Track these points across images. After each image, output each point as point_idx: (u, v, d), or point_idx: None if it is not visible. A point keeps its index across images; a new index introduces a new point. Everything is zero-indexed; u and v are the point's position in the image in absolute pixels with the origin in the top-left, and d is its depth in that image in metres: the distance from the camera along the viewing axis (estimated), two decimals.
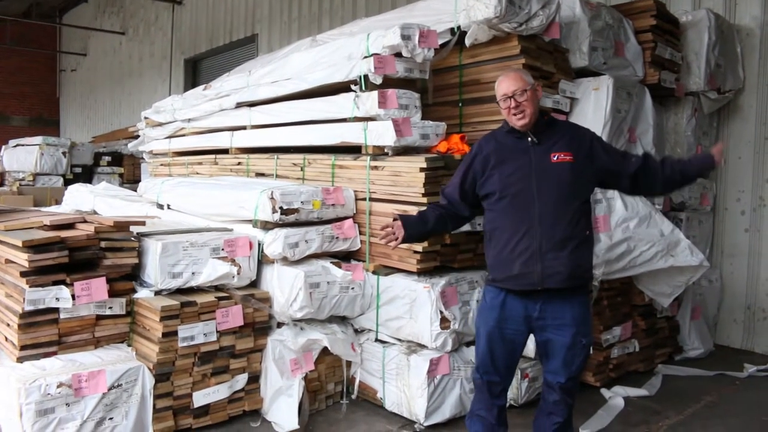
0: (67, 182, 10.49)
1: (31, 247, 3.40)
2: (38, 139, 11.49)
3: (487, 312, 3.14)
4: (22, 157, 11.37)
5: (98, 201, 5.92)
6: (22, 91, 20.26)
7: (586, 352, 3.07)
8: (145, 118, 7.34)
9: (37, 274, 3.42)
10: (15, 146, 11.70)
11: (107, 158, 12.42)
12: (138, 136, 7.69)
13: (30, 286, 3.38)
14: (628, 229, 4.44)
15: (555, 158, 2.99)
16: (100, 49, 17.86)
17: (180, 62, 13.38)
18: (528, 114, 3.01)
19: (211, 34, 12.30)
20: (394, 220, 3.29)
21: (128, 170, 12.47)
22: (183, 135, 6.56)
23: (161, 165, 6.93)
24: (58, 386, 3.22)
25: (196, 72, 13.27)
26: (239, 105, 5.53)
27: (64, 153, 11.54)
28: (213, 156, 5.92)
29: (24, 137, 11.98)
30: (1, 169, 11.50)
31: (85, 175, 11.82)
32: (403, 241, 3.26)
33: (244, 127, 5.48)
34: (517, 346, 3.13)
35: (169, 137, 6.79)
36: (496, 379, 3.15)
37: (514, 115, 3.03)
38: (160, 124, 6.95)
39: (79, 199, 6.29)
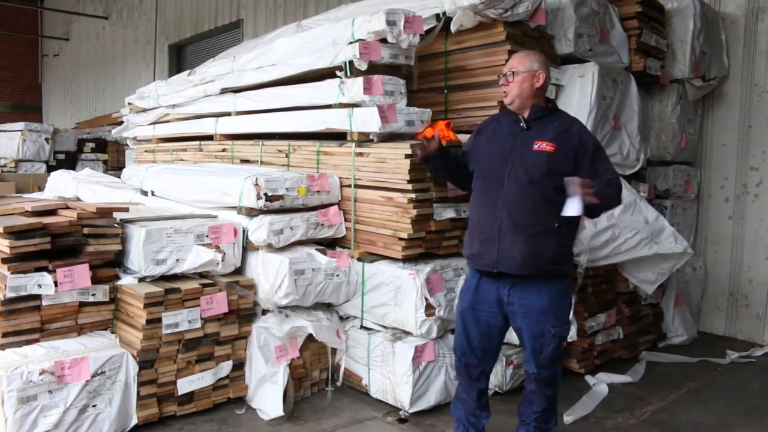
0: (50, 169, 10.39)
1: (13, 233, 3.35)
2: (20, 125, 11.34)
3: (463, 293, 3.26)
4: (4, 144, 11.22)
5: (81, 187, 5.85)
6: (4, 76, 19.95)
7: (557, 343, 3.03)
8: (129, 104, 7.25)
9: (19, 261, 3.38)
10: None
11: (91, 145, 12.29)
12: (122, 122, 7.61)
13: (12, 273, 3.34)
14: (613, 216, 4.46)
15: (536, 146, 3.00)
16: (83, 34, 17.62)
17: (164, 48, 13.24)
18: (511, 95, 3.08)
19: (195, 19, 12.17)
20: (431, 138, 3.44)
21: (112, 157, 12.35)
22: (167, 121, 6.49)
23: (145, 151, 6.86)
24: (40, 373, 3.19)
25: (181, 58, 13.14)
26: (224, 91, 5.47)
27: (47, 139, 11.41)
28: (198, 142, 5.86)
29: (6, 123, 11.81)
30: None
31: (69, 161, 11.70)
32: (427, 157, 3.44)
33: (228, 114, 5.43)
34: (492, 330, 3.14)
35: (154, 123, 6.71)
36: (473, 361, 3.18)
37: (503, 93, 3.13)
38: (145, 110, 6.87)
39: (62, 185, 6.21)
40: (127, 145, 8.40)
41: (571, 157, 3.00)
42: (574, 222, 3.07)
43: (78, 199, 5.65)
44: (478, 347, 3.17)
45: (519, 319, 3.05)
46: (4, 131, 11.41)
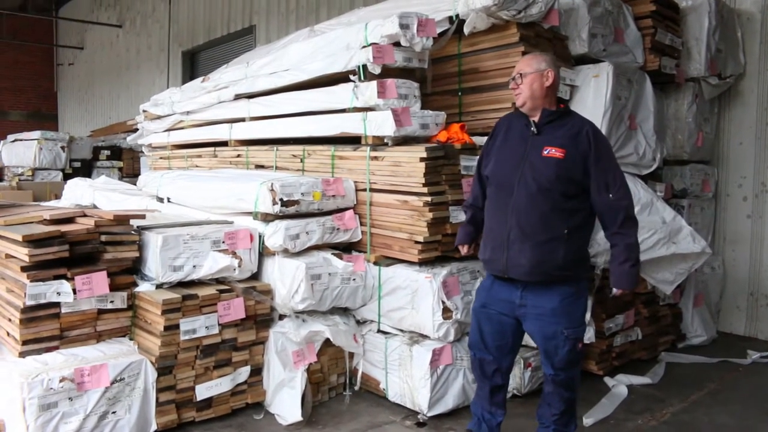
0: (66, 177, 10.45)
1: (32, 241, 3.38)
2: (37, 134, 11.44)
3: (479, 293, 3.31)
4: (21, 152, 11.33)
5: (98, 195, 5.90)
6: (20, 85, 20.16)
7: (571, 345, 3.01)
8: (144, 111, 7.29)
9: (38, 269, 3.40)
10: (13, 141, 11.66)
11: (106, 152, 12.36)
12: (137, 130, 7.66)
13: (31, 281, 3.36)
14: None
15: (546, 152, 2.99)
16: (97, 43, 17.78)
17: (178, 54, 13.32)
18: (523, 97, 3.07)
19: (208, 25, 12.23)
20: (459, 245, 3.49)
21: (127, 164, 12.42)
22: (182, 128, 6.53)
23: (160, 158, 6.90)
24: (60, 381, 3.21)
25: (194, 64, 13.21)
26: (238, 97, 5.49)
27: (62, 147, 11.49)
28: (212, 148, 5.89)
29: (22, 132, 11.92)
30: (0, 165, 11.46)
31: (85, 169, 11.78)
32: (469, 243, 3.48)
33: (243, 119, 5.45)
34: (505, 327, 3.15)
35: (168, 130, 6.75)
36: (487, 357, 3.20)
37: (515, 95, 3.12)
38: (159, 117, 6.91)
39: (78, 193, 6.26)
40: (142, 152, 8.47)
41: (581, 162, 2.96)
42: (587, 226, 3.07)
43: (94, 207, 5.69)
44: (492, 344, 3.18)
45: (532, 321, 3.06)
46: (21, 140, 11.52)
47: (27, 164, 11.20)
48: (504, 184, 3.08)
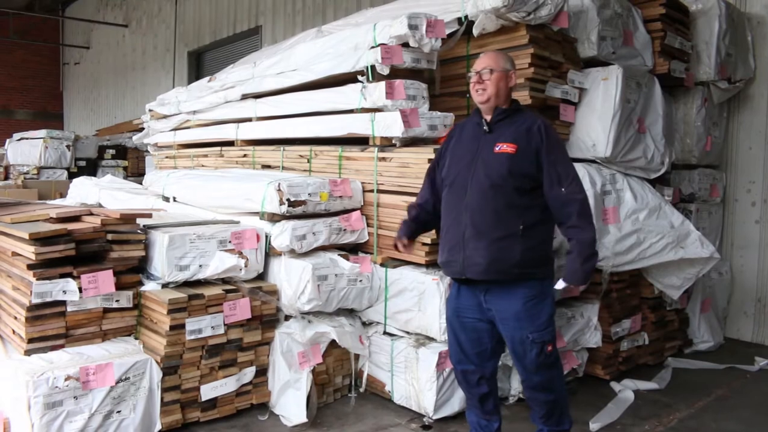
0: (72, 175, 10.47)
1: (38, 239, 3.37)
2: (42, 133, 11.48)
3: (449, 303, 3.27)
4: (27, 151, 11.36)
5: (103, 194, 5.89)
6: (26, 84, 20.22)
7: (538, 349, 2.96)
8: (150, 110, 7.30)
9: (44, 267, 3.40)
10: (19, 140, 11.69)
11: (111, 151, 12.40)
12: (143, 129, 7.66)
13: (37, 279, 3.35)
14: (638, 221, 4.41)
15: (497, 149, 2.97)
16: (103, 42, 17.81)
17: (183, 55, 13.33)
18: (487, 93, 3.03)
19: (214, 26, 12.24)
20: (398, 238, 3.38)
21: (132, 163, 12.45)
22: (188, 127, 6.53)
23: (166, 157, 6.90)
24: (65, 379, 3.20)
25: (200, 64, 13.22)
26: (245, 96, 5.49)
27: (68, 146, 11.53)
28: (218, 148, 5.88)
29: (28, 131, 11.94)
30: (6, 163, 11.47)
31: (90, 168, 11.81)
32: (410, 240, 3.39)
33: (249, 119, 5.44)
34: (482, 334, 3.10)
35: (174, 130, 6.75)
36: (470, 368, 3.15)
37: (476, 90, 3.06)
38: (165, 117, 6.91)
39: (84, 191, 6.26)
40: (147, 151, 8.47)
41: (533, 157, 2.94)
42: (545, 223, 3.01)
43: (100, 206, 5.68)
44: (472, 353, 3.14)
45: (499, 325, 3.04)
46: (27, 138, 11.54)
47: (32, 163, 11.23)
48: (457, 184, 3.06)
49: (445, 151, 3.24)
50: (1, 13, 17.11)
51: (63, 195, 7.83)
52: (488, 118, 3.06)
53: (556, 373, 3.10)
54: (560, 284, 2.98)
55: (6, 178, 11.25)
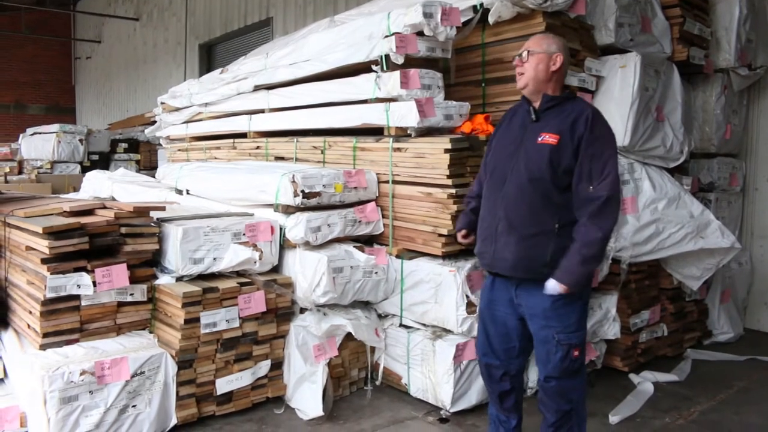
0: (85, 169, 10.49)
1: (52, 233, 3.35)
2: (55, 127, 11.49)
3: (483, 292, 3.14)
4: (40, 145, 11.39)
5: (116, 187, 5.88)
6: (38, 79, 20.28)
7: (564, 351, 2.79)
8: (162, 103, 7.28)
9: (58, 261, 3.37)
10: (32, 134, 11.73)
11: (124, 145, 12.40)
12: (155, 122, 7.64)
13: (51, 273, 3.33)
14: (657, 211, 4.34)
15: (540, 139, 2.80)
16: (114, 36, 17.81)
17: (194, 47, 13.28)
18: (525, 78, 2.88)
19: (225, 18, 12.18)
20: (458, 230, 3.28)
21: (145, 156, 12.46)
22: (200, 120, 6.49)
23: (179, 150, 6.87)
24: (81, 374, 3.19)
25: (211, 57, 13.16)
26: (257, 88, 5.44)
27: (81, 140, 11.54)
28: (231, 140, 5.85)
29: (41, 125, 11.98)
30: (20, 158, 11.51)
31: (102, 162, 11.82)
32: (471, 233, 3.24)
33: (262, 111, 5.40)
34: (510, 330, 2.98)
35: (186, 122, 6.72)
36: (495, 362, 3.04)
37: (518, 73, 2.93)
38: (177, 109, 6.89)
39: (97, 185, 6.26)
40: (159, 144, 8.45)
41: (574, 150, 2.74)
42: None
43: (113, 199, 5.67)
44: (499, 348, 3.03)
45: (529, 321, 2.91)
46: (40, 133, 11.57)
47: (45, 157, 11.26)
48: (497, 174, 2.94)
49: (493, 138, 3.13)
50: (13, 8, 17.15)
51: (76, 189, 7.83)
52: (536, 105, 2.90)
53: (578, 383, 2.91)
54: (550, 284, 2.75)
55: (20, 172, 11.28)
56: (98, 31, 18.87)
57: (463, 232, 3.22)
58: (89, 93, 19.98)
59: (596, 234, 2.69)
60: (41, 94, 20.51)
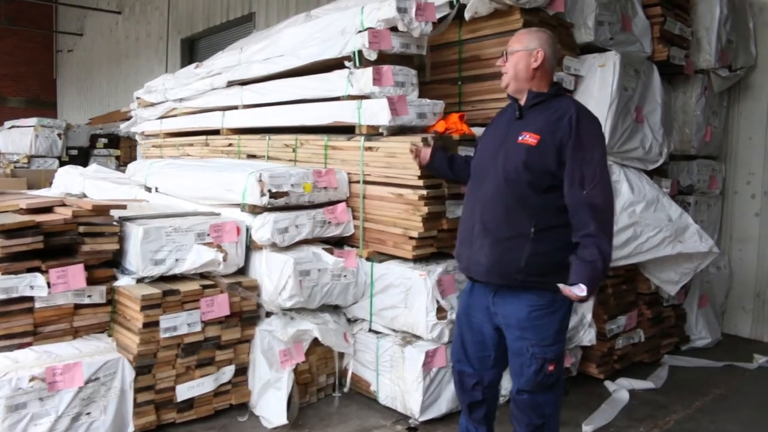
0: (63, 164, 10.26)
1: (3, 231, 3.21)
2: (33, 121, 11.27)
3: (461, 297, 3.06)
4: (18, 139, 11.16)
5: (88, 183, 5.71)
6: (18, 71, 19.92)
7: (538, 365, 2.69)
8: (137, 98, 7.12)
9: (10, 261, 3.24)
10: (10, 128, 11.50)
11: (104, 140, 12.19)
12: (131, 117, 7.48)
13: (2, 273, 3.20)
14: (635, 214, 4.24)
15: (521, 138, 2.70)
16: (96, 29, 17.54)
17: (176, 42, 13.08)
18: (506, 78, 2.82)
19: (207, 12, 12.01)
20: (424, 141, 3.38)
21: (125, 152, 12.24)
22: (174, 115, 6.34)
23: (153, 146, 6.72)
24: (30, 380, 3.05)
25: (193, 52, 12.97)
26: (231, 83, 5.29)
27: (59, 135, 11.32)
28: (204, 137, 5.70)
29: (20, 119, 11.75)
30: None
31: (82, 157, 11.61)
32: (425, 165, 3.45)
33: (235, 107, 5.26)
34: (486, 339, 2.88)
35: (161, 118, 6.56)
36: (468, 370, 2.95)
37: (502, 72, 2.86)
38: (152, 105, 6.73)
39: (69, 181, 6.09)
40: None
41: (555, 151, 2.62)
42: (562, 227, 2.68)
43: (84, 195, 5.52)
44: (474, 356, 2.93)
45: (505, 331, 2.80)
46: (17, 127, 11.35)
47: (23, 151, 11.03)
48: (477, 174, 2.87)
49: (482, 136, 3.05)
50: None
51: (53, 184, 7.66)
52: (522, 102, 2.81)
53: (552, 398, 2.80)
54: (576, 288, 2.59)
55: None
56: (80, 23, 18.59)
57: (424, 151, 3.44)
58: (71, 87, 19.68)
59: (609, 248, 2.62)
60: (21, 86, 20.16)
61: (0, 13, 17.57)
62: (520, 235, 2.67)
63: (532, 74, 2.77)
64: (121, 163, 11.81)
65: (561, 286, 2.64)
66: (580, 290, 2.58)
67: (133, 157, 11.78)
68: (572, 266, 2.64)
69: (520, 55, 2.77)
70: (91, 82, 17.97)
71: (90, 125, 13.28)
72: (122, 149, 12.30)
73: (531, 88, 2.78)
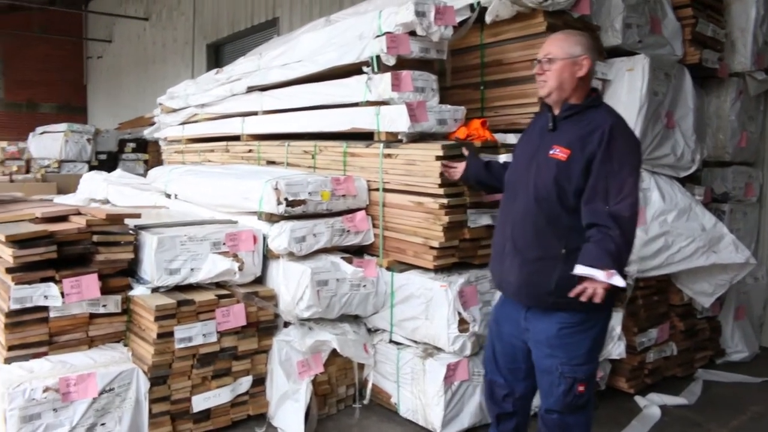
0: (92, 169, 10.38)
1: (17, 241, 3.17)
2: (63, 126, 11.42)
3: (494, 308, 3.00)
4: (48, 144, 11.33)
5: (111, 189, 5.70)
6: (50, 78, 20.24)
7: (567, 385, 2.57)
8: (160, 104, 7.13)
9: (24, 271, 3.20)
10: (41, 133, 11.65)
11: (132, 145, 12.31)
12: (155, 123, 7.49)
13: (16, 283, 3.16)
14: (666, 223, 4.09)
15: (551, 152, 2.57)
16: (124, 36, 17.75)
17: (202, 47, 13.16)
18: (548, 87, 2.63)
19: (232, 18, 12.05)
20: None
21: (153, 157, 12.30)
22: (196, 121, 6.32)
23: (175, 152, 6.72)
24: (44, 390, 3.01)
25: (219, 57, 13.03)
26: (250, 89, 5.25)
27: (88, 140, 11.46)
28: (225, 143, 5.67)
29: (51, 124, 11.91)
30: (28, 156, 11.45)
31: (111, 161, 11.71)
32: (461, 178, 3.35)
33: (255, 113, 5.21)
34: (517, 351, 2.79)
35: (183, 123, 6.56)
36: (499, 381, 2.86)
37: (538, 82, 2.68)
38: (174, 110, 6.73)
39: (93, 187, 6.08)
40: None
41: (584, 166, 2.48)
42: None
43: (107, 201, 5.52)
44: (504, 367, 2.85)
45: (533, 348, 2.69)
46: (49, 132, 11.50)
47: (53, 156, 11.19)
48: (510, 188, 2.76)
49: (518, 144, 2.94)
50: (25, 8, 17.15)
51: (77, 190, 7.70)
52: (556, 112, 2.66)
53: (583, 419, 2.69)
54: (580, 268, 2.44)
55: (27, 171, 11.22)
56: (109, 30, 18.83)
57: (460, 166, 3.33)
58: (100, 92, 19.95)
59: (628, 247, 2.49)
60: (53, 93, 20.49)
61: (32, 23, 17.88)
62: (550, 257, 2.57)
63: (577, 83, 2.61)
64: (149, 167, 11.90)
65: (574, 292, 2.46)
66: (595, 276, 2.39)
67: (160, 162, 11.74)
68: (582, 250, 2.48)
69: (564, 64, 2.59)
70: (120, 87, 18.19)
71: (118, 130, 13.41)
72: (150, 153, 12.38)
73: (571, 98, 2.63)
